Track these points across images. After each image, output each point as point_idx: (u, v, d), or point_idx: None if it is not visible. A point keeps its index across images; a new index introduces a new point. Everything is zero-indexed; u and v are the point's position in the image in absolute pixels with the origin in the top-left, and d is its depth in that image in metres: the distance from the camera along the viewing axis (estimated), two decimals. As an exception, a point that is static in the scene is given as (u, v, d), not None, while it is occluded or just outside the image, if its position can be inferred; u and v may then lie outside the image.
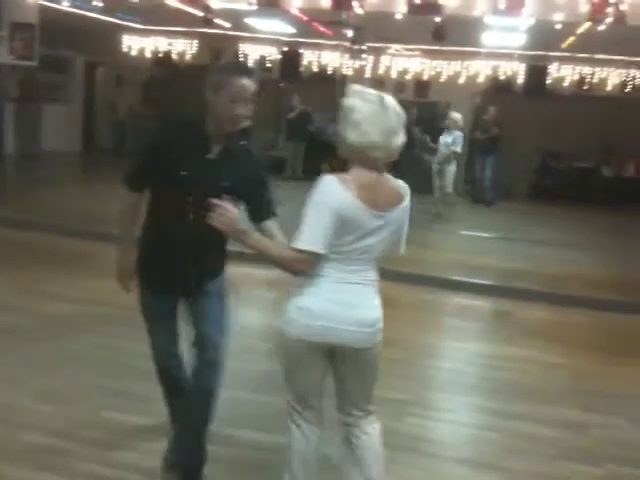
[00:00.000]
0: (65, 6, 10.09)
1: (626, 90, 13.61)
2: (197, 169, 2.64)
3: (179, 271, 2.77)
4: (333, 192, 2.27)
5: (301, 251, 2.27)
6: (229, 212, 2.30)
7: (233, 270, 7.43)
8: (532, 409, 3.96)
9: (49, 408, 3.50)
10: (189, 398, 2.84)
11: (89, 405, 3.43)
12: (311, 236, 2.26)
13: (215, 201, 2.31)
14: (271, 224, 2.74)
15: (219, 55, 15.14)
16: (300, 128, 13.32)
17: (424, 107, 13.17)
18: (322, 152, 14.29)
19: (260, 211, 2.74)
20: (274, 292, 6.55)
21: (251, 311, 5.81)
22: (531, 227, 9.80)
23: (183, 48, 14.84)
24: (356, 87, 2.41)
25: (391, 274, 6.79)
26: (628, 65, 13.18)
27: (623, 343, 5.54)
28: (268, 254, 2.37)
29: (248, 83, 2.58)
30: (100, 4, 9.29)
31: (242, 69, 2.72)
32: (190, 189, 2.64)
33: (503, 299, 6.29)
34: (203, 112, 2.66)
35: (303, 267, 2.32)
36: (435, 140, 10.46)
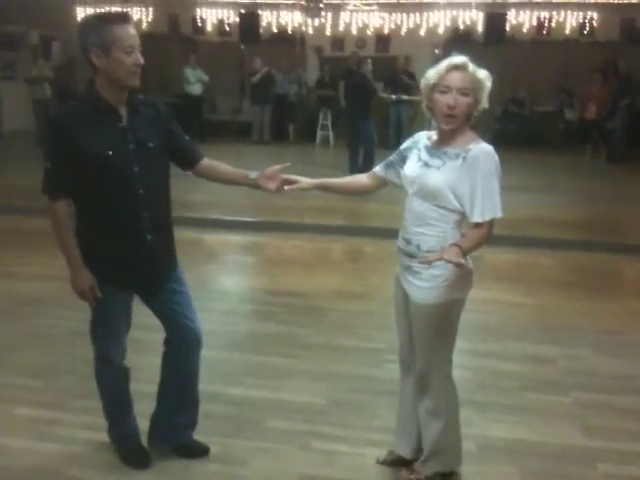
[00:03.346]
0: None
1: (584, 32, 13.74)
2: (119, 144, 2.47)
3: (149, 260, 2.63)
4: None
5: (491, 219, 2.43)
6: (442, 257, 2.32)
7: (210, 237, 7.61)
8: (500, 347, 4.19)
9: (39, 383, 3.63)
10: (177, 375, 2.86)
11: (79, 376, 3.53)
12: (501, 202, 2.44)
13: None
14: (208, 160, 2.80)
15: (176, 22, 14.93)
16: (264, 91, 13.25)
17: (383, 61, 13.15)
18: (288, 115, 14.31)
19: (193, 152, 2.77)
20: (250, 257, 6.71)
21: (231, 275, 5.96)
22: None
23: (139, 17, 14.57)
24: (461, 57, 2.46)
25: (360, 229, 7.01)
26: (584, 7, 13.29)
27: (585, 280, 5.79)
28: (477, 244, 2.44)
29: (132, 29, 2.42)
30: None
31: (120, 17, 2.44)
32: (125, 166, 2.48)
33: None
34: (92, 83, 2.47)
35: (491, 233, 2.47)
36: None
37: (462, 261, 2.27)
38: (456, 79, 2.42)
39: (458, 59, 2.43)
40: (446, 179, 2.44)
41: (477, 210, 2.42)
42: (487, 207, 2.41)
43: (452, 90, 2.41)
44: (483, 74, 2.44)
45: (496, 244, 6.48)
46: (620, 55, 12.61)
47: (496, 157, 2.45)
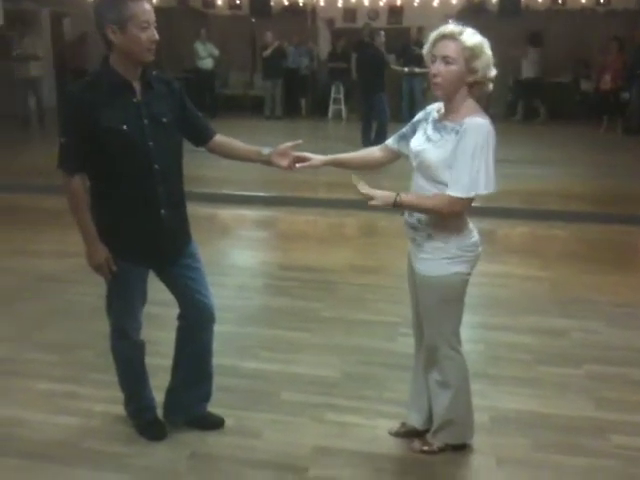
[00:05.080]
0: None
1: (600, 1, 13.47)
2: (134, 119, 2.49)
3: (163, 235, 2.65)
4: (494, 135, 2.41)
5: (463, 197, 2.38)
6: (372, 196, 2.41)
7: (223, 212, 7.63)
8: (514, 320, 4.19)
9: (56, 357, 3.69)
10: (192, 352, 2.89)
11: (96, 350, 3.57)
12: (492, 178, 2.41)
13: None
14: (220, 136, 2.81)
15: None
16: (276, 65, 13.17)
17: (395, 33, 12.98)
18: (300, 89, 14.22)
19: (206, 129, 2.79)
20: (264, 231, 6.73)
21: (244, 250, 5.99)
22: (510, 146, 9.88)
23: (149, -9, 14.43)
24: (454, 25, 2.40)
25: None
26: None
27: (599, 252, 5.75)
28: (422, 209, 2.46)
29: (147, 4, 2.41)
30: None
31: None
32: (140, 140, 2.50)
33: (486, 219, 6.46)
34: (106, 59, 2.49)
35: (463, 209, 2.45)
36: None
37: (376, 204, 2.40)
38: (440, 47, 2.39)
39: (447, 27, 2.39)
40: (441, 154, 2.43)
41: (453, 183, 2.39)
42: (466, 183, 2.37)
43: (437, 59, 2.40)
44: (473, 41, 2.37)
45: (510, 217, 6.51)
46: (637, 24, 12.38)
47: (488, 131, 2.39)
